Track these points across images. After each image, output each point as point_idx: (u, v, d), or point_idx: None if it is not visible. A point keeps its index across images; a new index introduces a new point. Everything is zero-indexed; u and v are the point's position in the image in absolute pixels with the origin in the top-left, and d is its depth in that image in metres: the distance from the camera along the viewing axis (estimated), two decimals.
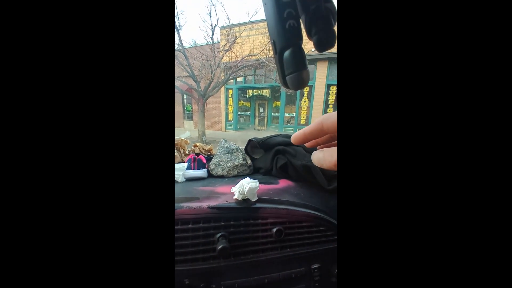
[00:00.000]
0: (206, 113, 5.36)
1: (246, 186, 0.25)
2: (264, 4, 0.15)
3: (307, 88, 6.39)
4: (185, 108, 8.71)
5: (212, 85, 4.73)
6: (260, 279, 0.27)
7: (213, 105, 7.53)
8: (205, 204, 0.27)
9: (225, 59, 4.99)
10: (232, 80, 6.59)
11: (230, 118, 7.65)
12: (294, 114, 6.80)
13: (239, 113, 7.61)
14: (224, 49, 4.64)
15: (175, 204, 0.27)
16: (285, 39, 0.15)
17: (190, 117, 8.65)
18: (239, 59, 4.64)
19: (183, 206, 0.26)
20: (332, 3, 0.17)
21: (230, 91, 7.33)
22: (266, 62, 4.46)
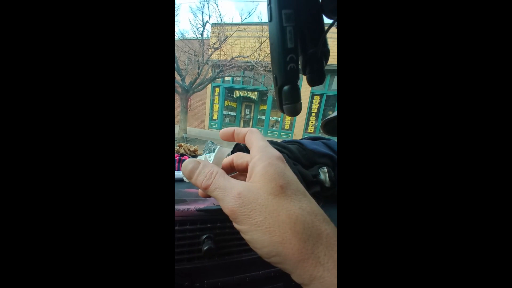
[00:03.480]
0: (189, 109, 5.17)
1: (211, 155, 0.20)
2: (271, 44, 0.18)
3: None
4: None
5: (198, 81, 4.59)
6: (242, 277, 0.28)
7: (197, 101, 7.31)
8: (192, 207, 0.27)
9: (214, 57, 4.91)
10: (220, 79, 6.50)
11: (215, 117, 7.51)
12: (279, 119, 6.96)
13: (224, 112, 7.52)
14: (214, 46, 4.56)
15: None
16: (285, 78, 0.18)
17: None
18: (228, 58, 4.60)
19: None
20: (327, 47, 0.21)
21: (217, 89, 7.22)
22: (255, 65, 4.50)
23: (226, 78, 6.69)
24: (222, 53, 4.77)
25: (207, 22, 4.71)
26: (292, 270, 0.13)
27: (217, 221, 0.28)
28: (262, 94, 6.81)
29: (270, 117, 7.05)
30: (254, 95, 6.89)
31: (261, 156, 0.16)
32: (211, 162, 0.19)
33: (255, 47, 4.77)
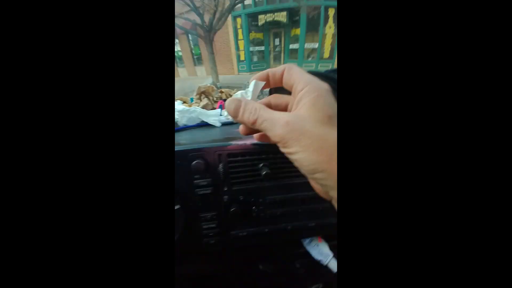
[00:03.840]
0: (215, 54, 4.84)
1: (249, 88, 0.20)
2: None
3: (333, 10, 4.99)
4: (193, 51, 7.89)
5: (217, 15, 3.99)
6: (294, 196, 0.35)
7: (221, 42, 6.61)
8: (248, 142, 0.31)
9: None
10: (240, 5, 5.38)
11: (242, 58, 6.81)
12: (317, 46, 5.64)
13: (251, 49, 6.66)
14: None
15: (224, 143, 0.32)
16: None
17: (200, 62, 7.95)
18: None
19: (232, 143, 0.31)
20: None
21: (239, 20, 6.14)
22: None
23: (246, 2, 5.48)
24: None
25: None
26: (334, 185, 0.14)
27: (269, 152, 0.33)
28: (293, 13, 5.41)
29: (306, 45, 5.77)
30: (283, 17, 5.58)
31: (309, 88, 0.16)
32: (249, 98, 0.18)
33: None
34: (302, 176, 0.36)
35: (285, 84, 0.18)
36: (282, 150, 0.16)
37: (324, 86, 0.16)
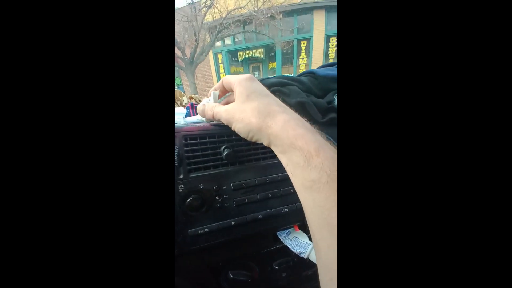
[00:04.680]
0: (197, 84, 5.09)
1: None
2: None
3: (305, 42, 5.83)
4: (175, 81, 8.26)
5: (198, 50, 4.32)
6: (263, 179, 0.31)
7: (203, 74, 7.05)
8: (207, 124, 0.29)
9: (209, 18, 4.42)
10: (220, 43, 5.98)
11: None
12: (292, 75, 6.41)
13: None
14: (206, 5, 4.06)
15: (179, 124, 0.29)
16: None
17: (182, 92, 8.28)
18: (224, 15, 4.10)
19: (188, 124, 0.28)
20: None
21: (220, 56, 6.74)
22: (255, 14, 3.94)
23: (226, 42, 6.14)
24: (216, 10, 4.25)
25: None
26: (258, 137, 0.21)
27: (232, 135, 0.30)
28: (269, 49, 6.15)
29: (282, 75, 6.51)
30: (260, 53, 6.28)
31: (234, 82, 0.23)
32: (211, 102, 0.27)
33: None
34: (269, 158, 0.33)
35: (228, 88, 0.26)
36: (231, 128, 0.23)
37: (243, 76, 0.23)
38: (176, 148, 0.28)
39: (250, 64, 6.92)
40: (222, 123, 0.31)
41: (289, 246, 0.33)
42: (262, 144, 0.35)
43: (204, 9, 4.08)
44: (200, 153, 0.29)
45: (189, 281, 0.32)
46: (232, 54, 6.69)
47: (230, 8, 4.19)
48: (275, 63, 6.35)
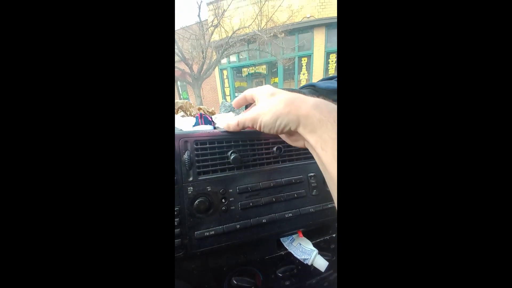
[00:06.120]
0: (202, 98, 5.28)
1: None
2: None
3: (305, 59, 6.10)
4: (181, 95, 8.57)
5: (205, 66, 4.55)
6: (267, 183, 0.33)
7: (208, 89, 7.34)
8: (217, 130, 0.32)
9: (216, 37, 4.72)
10: (226, 60, 6.31)
11: (228, 101, 7.52)
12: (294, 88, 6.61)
13: (236, 94, 7.46)
14: (213, 24, 4.37)
15: (191, 130, 0.31)
16: None
17: None
18: (230, 34, 4.38)
19: (200, 131, 0.31)
20: None
21: (225, 72, 7.08)
22: (259, 33, 4.20)
23: (231, 58, 6.47)
24: (223, 29, 4.55)
25: (201, 1, 4.45)
26: (286, 121, 0.22)
27: (239, 140, 0.32)
28: (271, 65, 6.43)
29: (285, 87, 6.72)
30: (263, 69, 6.57)
31: (256, 90, 0.27)
32: (232, 115, 0.30)
33: (254, 14, 4.40)
34: (273, 162, 0.35)
35: (250, 98, 0.29)
36: (255, 126, 0.25)
37: (266, 87, 0.26)
38: (187, 152, 0.31)
39: (253, 79, 7.19)
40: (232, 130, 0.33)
41: (293, 253, 0.34)
42: (267, 149, 0.37)
43: (211, 28, 4.38)
44: (209, 157, 0.31)
45: (192, 285, 0.32)
46: (237, 70, 7.01)
47: (236, 27, 4.48)
48: (277, 78, 6.59)
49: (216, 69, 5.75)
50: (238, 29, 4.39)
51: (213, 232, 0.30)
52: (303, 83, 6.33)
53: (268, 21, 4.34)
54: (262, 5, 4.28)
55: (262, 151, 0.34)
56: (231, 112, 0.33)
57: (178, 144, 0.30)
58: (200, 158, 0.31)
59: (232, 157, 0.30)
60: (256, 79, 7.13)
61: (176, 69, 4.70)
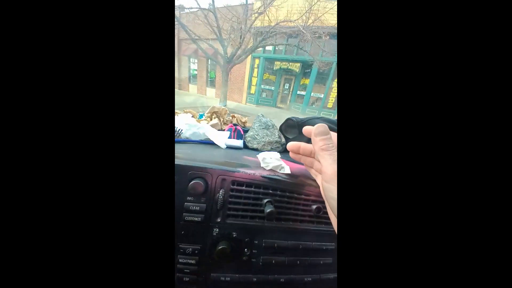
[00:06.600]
0: (229, 82, 5.24)
1: (270, 161, 0.32)
2: None
3: None
4: (209, 74, 8.58)
5: (239, 51, 4.47)
6: (296, 244, 0.30)
7: (236, 75, 7.25)
8: (257, 173, 0.29)
9: (257, 23, 4.56)
10: (261, 50, 6.13)
11: (252, 91, 7.40)
12: (322, 96, 6.26)
13: (262, 86, 7.31)
14: (258, 11, 4.20)
15: (232, 168, 0.29)
16: None
17: (212, 85, 8.55)
18: (272, 24, 4.20)
19: (240, 170, 0.29)
20: None
21: (257, 60, 6.90)
22: (303, 30, 3.98)
23: (267, 48, 6.27)
24: (266, 18, 4.37)
25: None
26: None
27: (277, 189, 0.30)
28: (306, 66, 6.15)
29: (312, 93, 6.40)
30: (296, 67, 6.31)
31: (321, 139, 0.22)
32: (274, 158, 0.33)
33: (304, 10, 4.15)
34: (307, 222, 0.32)
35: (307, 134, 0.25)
36: (325, 184, 0.20)
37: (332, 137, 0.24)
38: (221, 191, 0.29)
39: (283, 74, 6.97)
40: (271, 177, 0.31)
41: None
42: (305, 205, 0.34)
43: (255, 14, 4.22)
44: (242, 200, 0.30)
45: None
46: (269, 61, 6.80)
47: (280, 18, 4.28)
48: (308, 79, 6.32)
49: (249, 56, 5.62)
50: (283, 21, 4.19)
51: (228, 279, 0.29)
52: (335, 91, 6.03)
53: (315, 20, 4.09)
54: (313, 3, 4.02)
55: (299, 206, 0.31)
56: (275, 153, 0.33)
57: (215, 180, 0.29)
58: (233, 200, 0.29)
59: (267, 210, 0.28)
60: (286, 75, 6.90)
61: (210, 48, 4.65)
